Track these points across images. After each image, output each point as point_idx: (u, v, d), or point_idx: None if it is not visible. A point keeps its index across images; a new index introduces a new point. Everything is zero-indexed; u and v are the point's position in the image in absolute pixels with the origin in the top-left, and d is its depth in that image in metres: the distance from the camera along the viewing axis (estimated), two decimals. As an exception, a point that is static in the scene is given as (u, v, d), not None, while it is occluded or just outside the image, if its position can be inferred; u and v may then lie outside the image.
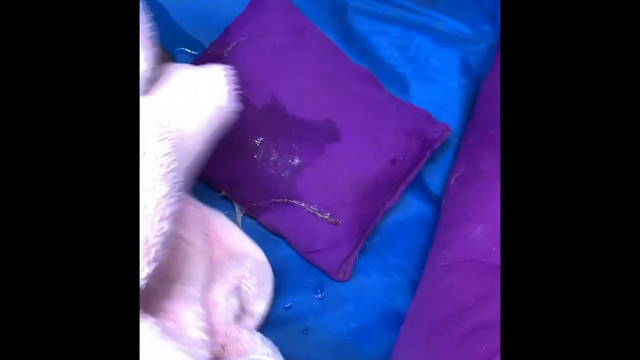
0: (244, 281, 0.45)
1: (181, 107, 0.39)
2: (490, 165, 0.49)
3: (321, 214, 0.49)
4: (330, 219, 0.49)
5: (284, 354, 0.41)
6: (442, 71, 0.62)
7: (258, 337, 0.41)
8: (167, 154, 0.35)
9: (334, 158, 0.50)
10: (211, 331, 0.41)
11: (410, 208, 0.55)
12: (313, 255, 0.50)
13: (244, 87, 0.49)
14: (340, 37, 0.60)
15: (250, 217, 0.51)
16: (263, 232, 0.52)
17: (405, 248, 0.53)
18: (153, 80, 0.39)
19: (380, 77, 0.58)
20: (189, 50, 0.56)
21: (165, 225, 0.34)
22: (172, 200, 0.35)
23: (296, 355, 0.45)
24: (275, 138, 0.49)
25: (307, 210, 0.49)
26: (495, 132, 0.52)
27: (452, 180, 0.51)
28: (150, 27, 0.38)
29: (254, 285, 0.45)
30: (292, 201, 0.49)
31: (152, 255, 0.33)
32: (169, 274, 0.41)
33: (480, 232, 0.44)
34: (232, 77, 0.44)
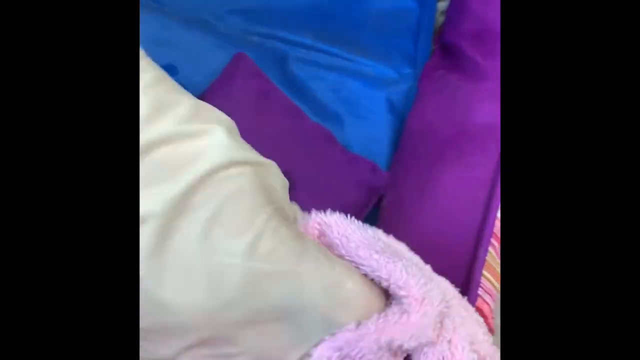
0: None
1: None
2: (410, 190, 0.64)
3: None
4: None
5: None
6: (372, 109, 0.75)
7: None
8: None
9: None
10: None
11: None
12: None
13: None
14: (284, 83, 0.72)
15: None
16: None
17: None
18: None
19: (318, 115, 0.71)
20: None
21: None
22: None
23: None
24: None
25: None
26: (418, 162, 0.66)
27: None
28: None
29: None
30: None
31: None
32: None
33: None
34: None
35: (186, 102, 0.35)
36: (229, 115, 0.65)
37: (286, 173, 0.61)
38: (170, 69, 0.66)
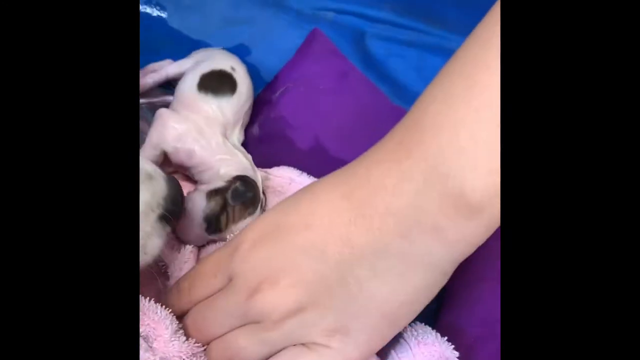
0: None
1: None
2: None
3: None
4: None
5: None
6: (455, 87, 0.70)
7: None
8: None
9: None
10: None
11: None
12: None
13: (290, 130, 0.57)
14: (361, 61, 0.68)
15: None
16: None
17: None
18: None
19: (399, 97, 0.67)
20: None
21: None
22: None
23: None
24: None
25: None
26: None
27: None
28: None
29: None
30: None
31: None
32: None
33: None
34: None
35: None
36: (304, 98, 0.63)
37: None
38: (243, 50, 0.63)
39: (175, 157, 0.49)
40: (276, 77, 0.61)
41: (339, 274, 0.35)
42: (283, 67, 0.62)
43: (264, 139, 0.57)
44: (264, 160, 0.55)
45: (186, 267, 0.45)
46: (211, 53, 0.56)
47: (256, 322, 0.36)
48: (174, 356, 0.36)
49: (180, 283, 0.41)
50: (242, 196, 0.46)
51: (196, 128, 0.48)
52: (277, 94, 0.59)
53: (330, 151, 0.57)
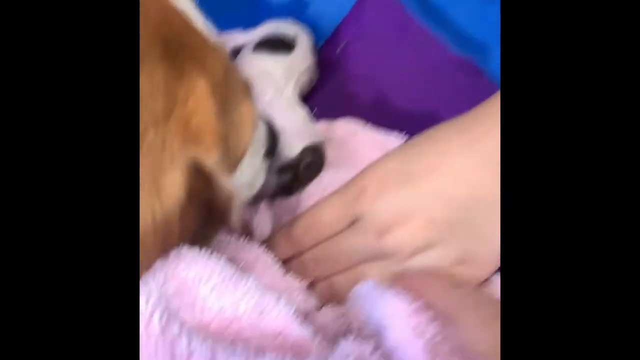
0: None
1: None
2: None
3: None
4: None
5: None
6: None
7: None
8: None
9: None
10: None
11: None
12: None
13: (353, 84, 0.57)
14: (421, 11, 0.66)
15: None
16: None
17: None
18: None
19: (461, 45, 0.65)
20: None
21: None
22: None
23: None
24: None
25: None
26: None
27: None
28: None
29: None
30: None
31: None
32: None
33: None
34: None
35: None
36: (365, 51, 0.62)
37: (432, 113, 0.59)
38: (301, 4, 0.62)
39: None
40: (336, 31, 0.60)
41: (469, 214, 0.37)
42: (342, 21, 0.61)
43: (327, 94, 0.57)
44: (328, 113, 0.55)
45: (267, 219, 0.46)
46: (278, 23, 0.56)
47: (385, 259, 0.39)
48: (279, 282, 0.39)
49: (291, 230, 0.43)
50: (315, 168, 0.47)
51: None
52: (338, 49, 0.59)
53: (393, 103, 0.57)
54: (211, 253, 0.32)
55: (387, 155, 0.41)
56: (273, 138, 0.44)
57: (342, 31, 0.60)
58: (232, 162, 0.36)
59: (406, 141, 0.42)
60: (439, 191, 0.38)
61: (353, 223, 0.40)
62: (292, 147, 0.47)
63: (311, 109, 0.56)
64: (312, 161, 0.47)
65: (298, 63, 0.52)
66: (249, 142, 0.37)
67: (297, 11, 0.62)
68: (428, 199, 0.38)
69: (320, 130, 0.52)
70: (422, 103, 0.57)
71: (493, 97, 0.41)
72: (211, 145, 0.30)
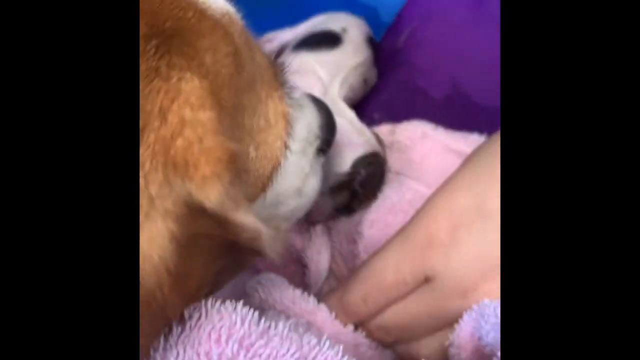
0: None
1: None
2: None
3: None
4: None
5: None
6: None
7: None
8: None
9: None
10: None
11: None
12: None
13: (422, 77, 0.48)
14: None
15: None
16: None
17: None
18: None
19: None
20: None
21: None
22: None
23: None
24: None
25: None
26: None
27: None
28: None
29: None
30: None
31: None
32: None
33: None
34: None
35: None
36: (435, 37, 0.53)
37: None
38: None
39: None
40: (399, 17, 0.52)
41: None
42: (406, 4, 0.52)
43: (391, 91, 0.48)
44: (388, 118, 0.46)
45: (323, 250, 0.40)
46: (327, 16, 0.49)
47: None
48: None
49: (346, 299, 0.35)
50: (374, 178, 0.40)
51: None
52: (402, 37, 0.50)
53: (473, 96, 0.47)
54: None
55: (456, 186, 0.33)
56: (329, 128, 0.34)
57: (405, 16, 0.51)
58: (255, 184, 0.28)
59: (475, 153, 0.33)
60: None
61: (425, 281, 0.32)
62: (342, 160, 0.39)
63: (371, 111, 0.48)
64: (368, 176, 0.39)
65: (345, 59, 0.44)
66: (281, 147, 0.29)
67: (351, 1, 0.54)
68: None
69: (381, 134, 0.44)
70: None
71: None
72: (209, 177, 0.22)
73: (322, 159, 0.34)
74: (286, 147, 0.29)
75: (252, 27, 0.53)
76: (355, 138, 0.40)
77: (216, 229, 0.24)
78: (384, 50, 0.50)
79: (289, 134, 0.29)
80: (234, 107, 0.25)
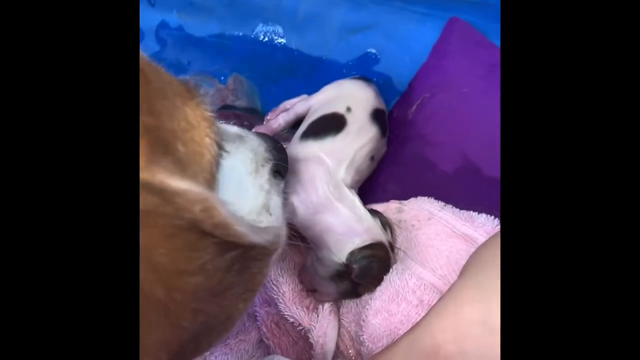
0: None
1: None
2: None
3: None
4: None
5: None
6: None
7: None
8: None
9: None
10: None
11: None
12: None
13: (431, 149, 0.47)
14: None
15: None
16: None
17: None
18: None
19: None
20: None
21: None
22: None
23: None
24: (472, 207, 0.44)
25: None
26: None
27: None
28: None
29: None
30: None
31: None
32: None
33: None
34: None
35: None
36: (445, 108, 0.50)
37: None
38: (370, 59, 0.55)
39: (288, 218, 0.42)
40: (410, 87, 0.52)
41: None
42: (417, 73, 0.52)
43: (402, 164, 0.48)
44: (400, 191, 0.46)
45: (330, 331, 0.40)
46: (337, 89, 0.49)
47: None
48: None
49: None
50: (371, 271, 0.39)
51: (293, 176, 0.42)
52: (413, 108, 0.50)
53: (483, 169, 0.46)
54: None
55: (460, 297, 0.32)
56: (277, 150, 0.36)
57: (415, 87, 0.51)
58: (197, 176, 0.30)
59: (479, 259, 0.33)
60: None
61: None
62: (339, 250, 0.39)
63: (385, 182, 0.48)
64: (363, 269, 0.38)
65: (349, 142, 0.44)
66: (211, 144, 0.30)
67: (366, 68, 0.55)
68: None
69: (389, 212, 0.44)
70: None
71: None
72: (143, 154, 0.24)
73: (281, 183, 0.36)
74: (219, 147, 0.30)
75: (273, 97, 0.55)
76: (355, 226, 0.40)
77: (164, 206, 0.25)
78: (395, 119, 0.50)
79: (215, 133, 0.30)
80: (148, 111, 0.27)
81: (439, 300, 0.33)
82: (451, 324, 0.31)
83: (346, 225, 0.40)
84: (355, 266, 0.38)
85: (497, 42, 0.52)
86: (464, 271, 0.34)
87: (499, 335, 0.30)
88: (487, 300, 0.31)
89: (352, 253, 0.39)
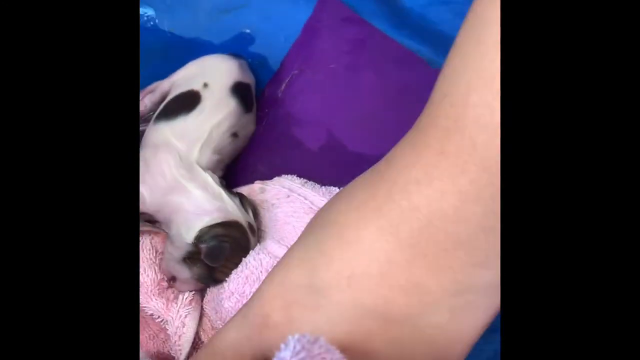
0: None
1: None
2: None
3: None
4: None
5: None
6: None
7: None
8: None
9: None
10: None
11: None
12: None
13: (298, 128, 0.47)
14: (391, 21, 0.54)
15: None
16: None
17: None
18: None
19: (444, 53, 0.53)
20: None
21: None
22: None
23: None
24: (337, 183, 0.44)
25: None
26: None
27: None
28: None
29: None
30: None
31: None
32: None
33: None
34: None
35: None
36: (312, 85, 0.51)
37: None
38: (245, 39, 0.54)
39: (140, 208, 0.41)
40: (281, 66, 0.51)
41: (412, 328, 0.29)
42: (288, 52, 0.52)
43: (271, 143, 0.48)
44: (268, 171, 0.46)
45: (188, 321, 0.39)
46: (199, 65, 0.48)
47: None
48: None
49: None
50: (221, 252, 0.38)
51: (143, 165, 0.40)
52: (282, 87, 0.49)
53: (349, 146, 0.47)
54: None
55: (288, 263, 0.32)
56: None
57: (286, 65, 0.51)
58: None
59: (308, 225, 0.32)
60: (364, 307, 0.29)
61: None
62: (188, 230, 0.38)
63: (254, 163, 0.48)
64: (213, 249, 0.38)
65: (202, 121, 0.43)
66: None
67: (242, 48, 0.54)
68: (342, 319, 0.29)
69: (253, 193, 0.44)
70: (389, 140, 0.46)
71: (394, 153, 0.30)
72: None
73: None
74: None
75: (145, 81, 0.53)
76: (206, 205, 0.39)
77: None
78: (266, 98, 0.50)
79: None
80: None
81: (272, 268, 0.33)
82: (279, 290, 0.31)
83: (196, 204, 0.39)
84: (203, 246, 0.38)
85: (370, 19, 0.52)
86: (299, 236, 0.33)
87: (326, 296, 0.30)
88: (312, 262, 0.30)
89: (201, 232, 0.38)
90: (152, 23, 0.54)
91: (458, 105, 0.26)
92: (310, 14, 0.52)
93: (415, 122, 0.29)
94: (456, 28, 0.56)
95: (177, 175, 0.40)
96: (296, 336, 0.25)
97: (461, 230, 0.26)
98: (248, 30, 0.54)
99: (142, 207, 0.41)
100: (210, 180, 0.40)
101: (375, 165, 0.31)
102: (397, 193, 0.28)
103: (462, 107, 0.25)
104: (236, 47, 0.54)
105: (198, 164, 0.41)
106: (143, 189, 0.40)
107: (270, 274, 0.33)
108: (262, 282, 0.32)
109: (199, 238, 0.38)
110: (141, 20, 0.54)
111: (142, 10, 0.54)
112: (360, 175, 0.32)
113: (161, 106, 0.45)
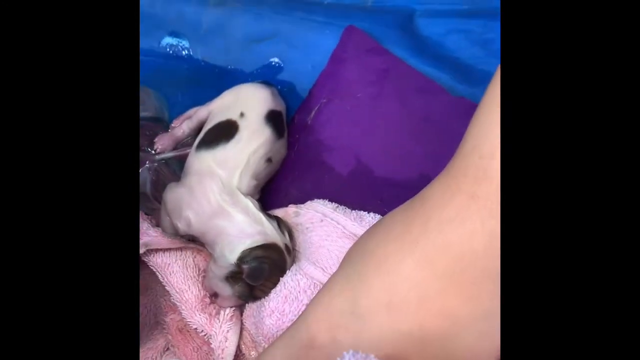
0: None
1: None
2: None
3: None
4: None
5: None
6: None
7: None
8: None
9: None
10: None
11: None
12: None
13: (328, 153, 0.50)
14: (412, 49, 0.57)
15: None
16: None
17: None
18: None
19: (463, 81, 0.56)
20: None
21: None
22: None
23: None
24: (364, 207, 0.47)
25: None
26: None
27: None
28: None
29: None
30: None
31: None
32: None
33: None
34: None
35: None
36: (340, 113, 0.52)
37: (422, 178, 0.50)
38: (274, 67, 0.57)
39: (186, 230, 0.45)
40: (310, 94, 0.54)
41: (444, 350, 0.31)
42: (316, 81, 0.55)
43: (302, 168, 0.51)
44: (300, 194, 0.49)
45: (230, 335, 0.42)
46: (235, 94, 0.51)
47: None
48: None
49: None
50: (262, 272, 0.42)
51: (188, 191, 0.44)
52: (312, 114, 0.52)
53: (376, 172, 0.49)
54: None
55: (332, 289, 0.35)
56: None
57: (314, 93, 0.54)
58: None
59: (348, 253, 0.35)
60: (402, 330, 0.32)
61: None
62: (231, 251, 0.41)
63: (287, 187, 0.51)
64: (254, 270, 0.41)
65: (241, 149, 0.46)
66: None
67: (271, 76, 0.57)
68: (382, 342, 0.32)
69: (287, 216, 0.47)
70: (417, 166, 0.49)
71: (428, 192, 0.33)
72: None
73: None
74: None
75: (181, 107, 0.56)
76: (247, 228, 0.42)
77: None
78: (296, 125, 0.53)
79: None
80: None
81: (317, 293, 0.36)
82: (324, 315, 0.34)
83: (239, 227, 0.42)
84: (245, 267, 0.41)
85: (392, 48, 0.55)
86: (340, 264, 0.36)
87: (366, 321, 0.33)
88: (353, 289, 0.33)
89: (243, 253, 0.41)
90: (186, 52, 0.57)
91: (486, 157, 0.29)
92: (337, 44, 0.55)
93: (446, 166, 0.32)
94: (473, 56, 0.60)
95: (221, 201, 0.43)
96: (351, 351, 0.28)
97: (490, 265, 0.29)
98: (277, 59, 0.57)
99: (189, 230, 0.44)
100: (251, 205, 0.43)
101: (408, 202, 0.34)
102: (432, 229, 0.31)
103: (489, 159, 0.29)
104: (266, 74, 0.57)
105: (238, 189, 0.44)
106: (190, 214, 0.43)
107: (315, 299, 0.36)
108: (307, 306, 0.35)
109: (241, 259, 0.41)
110: (176, 50, 0.58)
111: (176, 41, 0.58)
112: (395, 210, 0.35)
113: (201, 134, 0.48)
